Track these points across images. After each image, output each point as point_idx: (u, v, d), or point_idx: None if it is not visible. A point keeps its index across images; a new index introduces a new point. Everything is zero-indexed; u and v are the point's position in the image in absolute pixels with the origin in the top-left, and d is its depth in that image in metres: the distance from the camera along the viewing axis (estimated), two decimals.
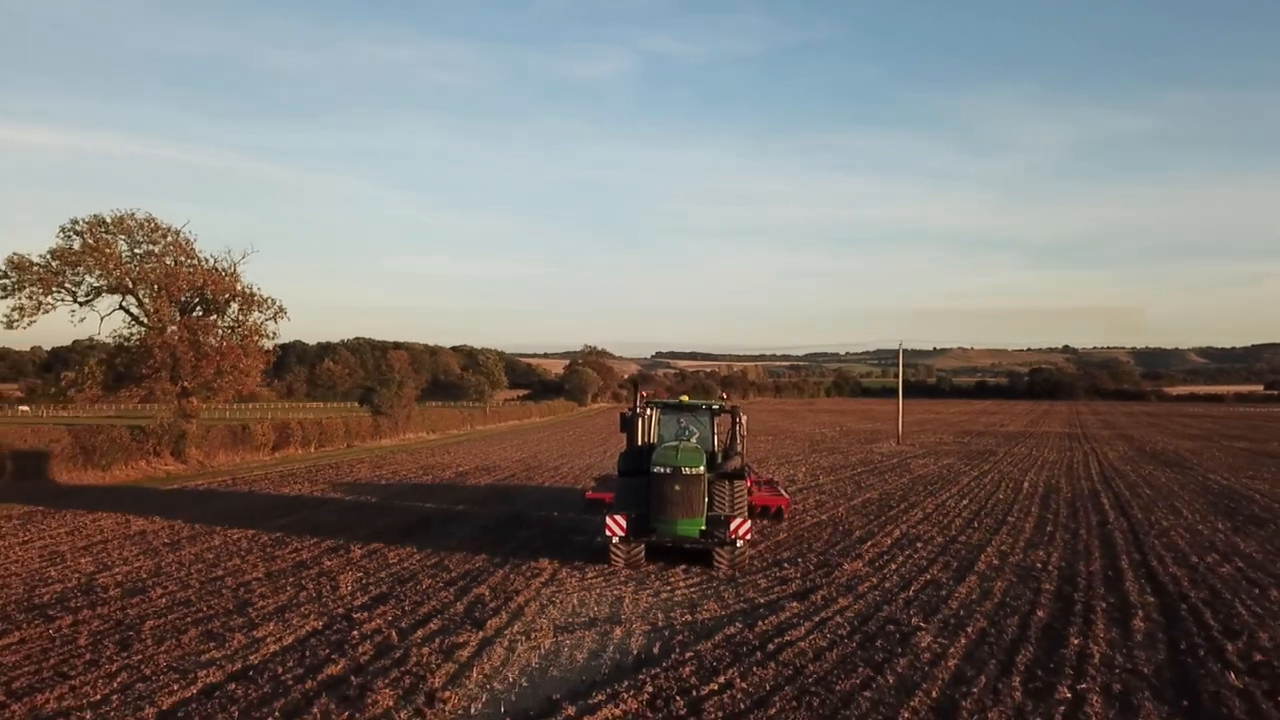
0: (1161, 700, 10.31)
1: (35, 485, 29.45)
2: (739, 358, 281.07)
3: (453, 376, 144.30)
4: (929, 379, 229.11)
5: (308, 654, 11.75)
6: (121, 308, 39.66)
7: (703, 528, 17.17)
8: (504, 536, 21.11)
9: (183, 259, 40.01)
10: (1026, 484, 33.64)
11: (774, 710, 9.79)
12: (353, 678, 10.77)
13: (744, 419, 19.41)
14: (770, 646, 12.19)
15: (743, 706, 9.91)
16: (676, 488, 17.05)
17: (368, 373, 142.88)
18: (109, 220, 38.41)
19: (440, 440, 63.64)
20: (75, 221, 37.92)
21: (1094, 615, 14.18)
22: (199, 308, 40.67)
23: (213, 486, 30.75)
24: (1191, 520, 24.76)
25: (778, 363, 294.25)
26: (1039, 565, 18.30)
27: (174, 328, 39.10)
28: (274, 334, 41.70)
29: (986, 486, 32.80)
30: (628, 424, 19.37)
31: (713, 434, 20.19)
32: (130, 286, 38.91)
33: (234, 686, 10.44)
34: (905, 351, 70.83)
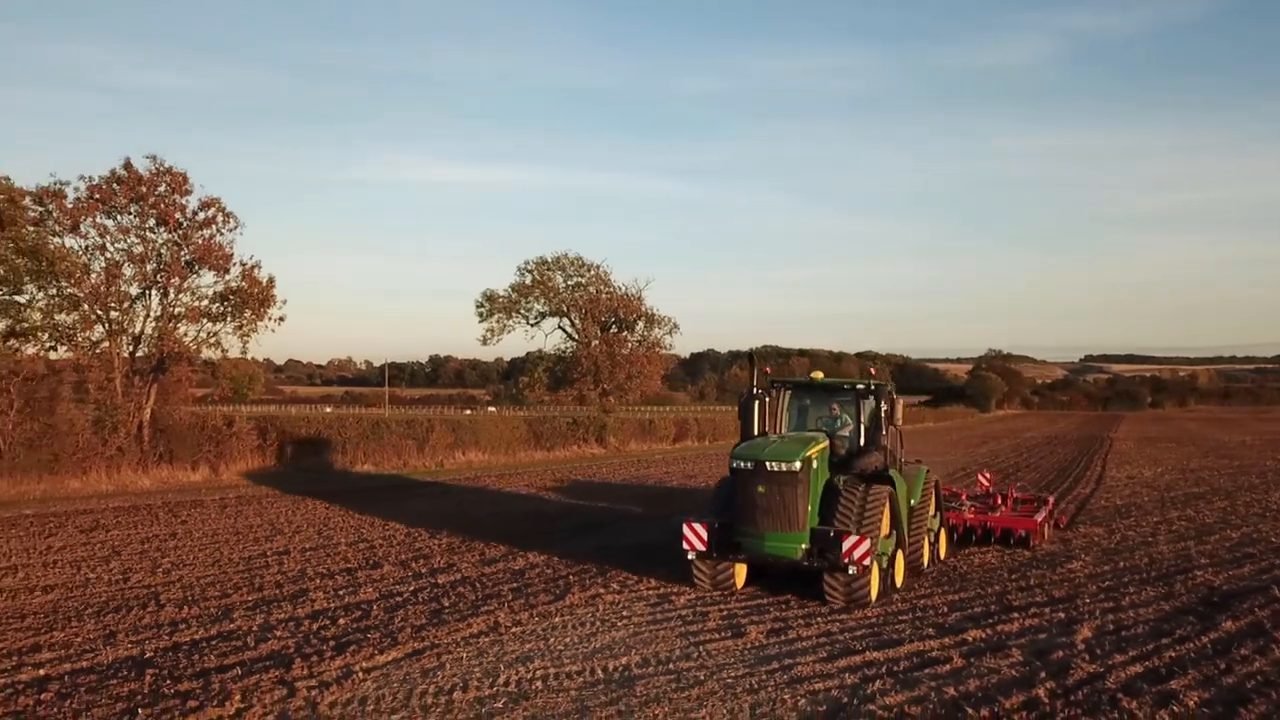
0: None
1: (505, 459, 41.91)
2: (1189, 360, 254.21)
3: None
4: None
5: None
6: (559, 328, 52.60)
7: (804, 545, 13.76)
8: None
9: (602, 287, 51.92)
10: None
11: (925, 583, 15.97)
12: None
13: (898, 404, 16.06)
14: (953, 562, 18.09)
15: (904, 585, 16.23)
16: (761, 490, 13.68)
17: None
18: (549, 260, 51.36)
19: None
20: (527, 262, 51.42)
21: (1244, 565, 17.89)
22: (614, 326, 52.31)
23: (624, 464, 41.26)
24: None
25: (1239, 365, 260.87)
26: (1273, 540, 21.26)
27: (597, 342, 51.00)
28: (670, 345, 52.34)
29: None
30: (744, 410, 15.86)
31: (859, 423, 15.93)
32: (565, 311, 51.60)
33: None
34: None
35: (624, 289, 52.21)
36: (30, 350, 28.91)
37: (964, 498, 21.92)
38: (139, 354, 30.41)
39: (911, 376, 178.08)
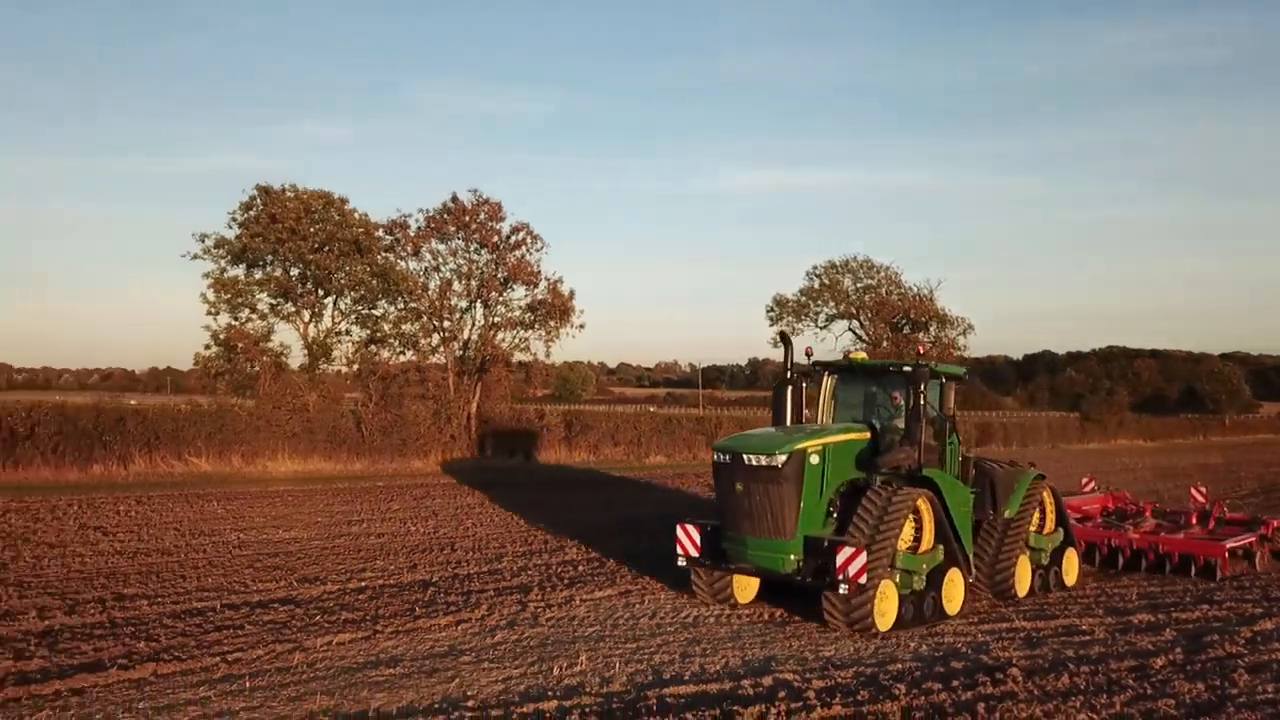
0: None
1: None
2: None
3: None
4: None
5: None
6: (850, 330, 54.00)
7: (795, 556, 12.06)
8: None
9: (892, 289, 52.68)
10: None
11: (1137, 574, 16.52)
12: None
13: (950, 391, 13.83)
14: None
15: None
16: (739, 488, 12.21)
17: (1111, 380, 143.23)
18: (837, 264, 52.94)
19: (1155, 448, 66.42)
20: (815, 266, 53.33)
21: None
22: (905, 327, 52.84)
23: None
24: None
25: None
26: None
27: (886, 344, 51.85)
28: (964, 347, 51.97)
29: None
30: (775, 396, 14.26)
31: (907, 413, 13.27)
32: (854, 313, 52.95)
33: None
34: None
35: (915, 289, 52.66)
36: (384, 355, 35.74)
37: (1148, 513, 19.00)
38: (466, 357, 36.31)
39: None
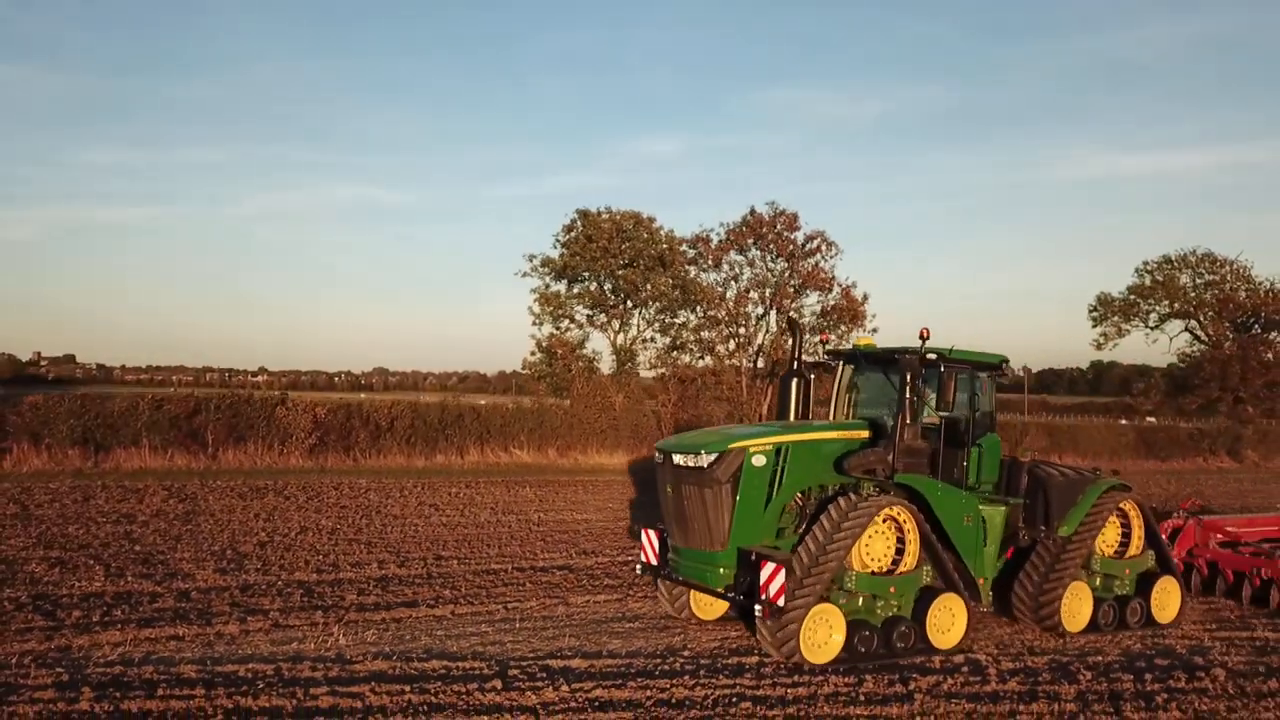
0: None
1: (1109, 465, 41.99)
2: None
3: None
4: None
5: None
6: (1187, 330, 49.89)
7: (726, 570, 10.75)
8: None
9: (1239, 284, 48.07)
10: None
11: None
12: None
13: (949, 383, 11.15)
14: None
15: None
16: (669, 491, 11.13)
17: None
18: (1173, 259, 49.10)
19: None
20: (1145, 263, 49.87)
21: None
22: (1256, 326, 47.97)
23: (1261, 481, 38.50)
24: None
25: None
26: None
27: (1229, 346, 47.40)
28: None
29: None
30: (781, 390, 12.85)
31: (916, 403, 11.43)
32: (1192, 312, 48.88)
33: None
34: None
35: (1270, 284, 47.77)
36: (684, 359, 38.62)
37: None
38: (759, 363, 38.32)
39: None
